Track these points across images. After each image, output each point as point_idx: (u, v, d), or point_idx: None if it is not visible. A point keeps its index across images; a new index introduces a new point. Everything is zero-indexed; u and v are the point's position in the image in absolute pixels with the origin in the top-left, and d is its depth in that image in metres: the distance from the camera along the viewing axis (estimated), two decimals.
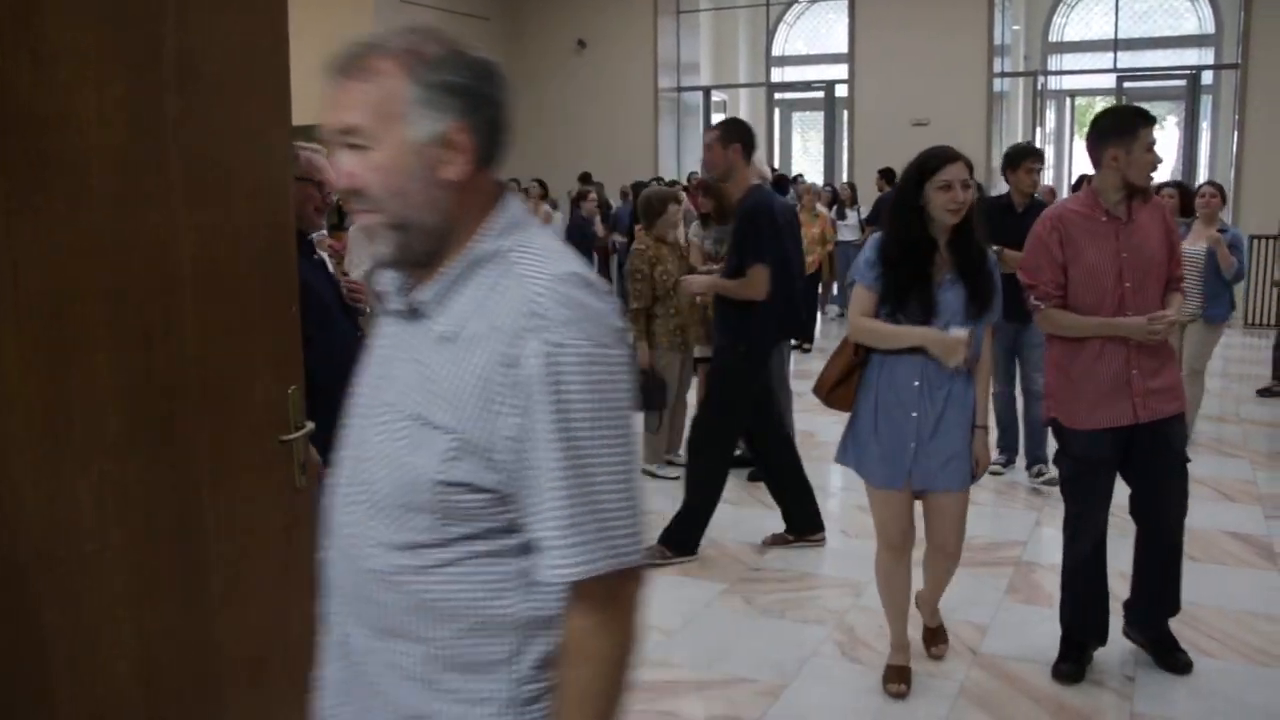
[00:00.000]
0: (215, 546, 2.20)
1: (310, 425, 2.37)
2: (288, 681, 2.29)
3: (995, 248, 5.60)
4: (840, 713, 3.68)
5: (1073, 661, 3.85)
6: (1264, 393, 8.81)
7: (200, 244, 2.11)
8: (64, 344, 1.88)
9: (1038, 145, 5.96)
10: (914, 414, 3.48)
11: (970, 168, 3.46)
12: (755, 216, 4.94)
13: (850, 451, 3.66)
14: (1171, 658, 3.88)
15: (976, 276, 3.48)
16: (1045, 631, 4.03)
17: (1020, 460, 6.44)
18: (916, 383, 3.47)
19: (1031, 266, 3.80)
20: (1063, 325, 3.73)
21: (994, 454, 5.98)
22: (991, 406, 5.98)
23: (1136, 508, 3.83)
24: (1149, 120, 3.67)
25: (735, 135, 5.01)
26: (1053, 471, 5.79)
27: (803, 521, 5.30)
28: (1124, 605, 3.99)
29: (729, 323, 5.10)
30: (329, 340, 3.36)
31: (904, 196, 3.48)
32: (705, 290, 5.35)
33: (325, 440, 3.16)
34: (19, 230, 1.80)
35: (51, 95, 1.84)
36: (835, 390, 3.64)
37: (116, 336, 1.95)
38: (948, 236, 3.46)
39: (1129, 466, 3.79)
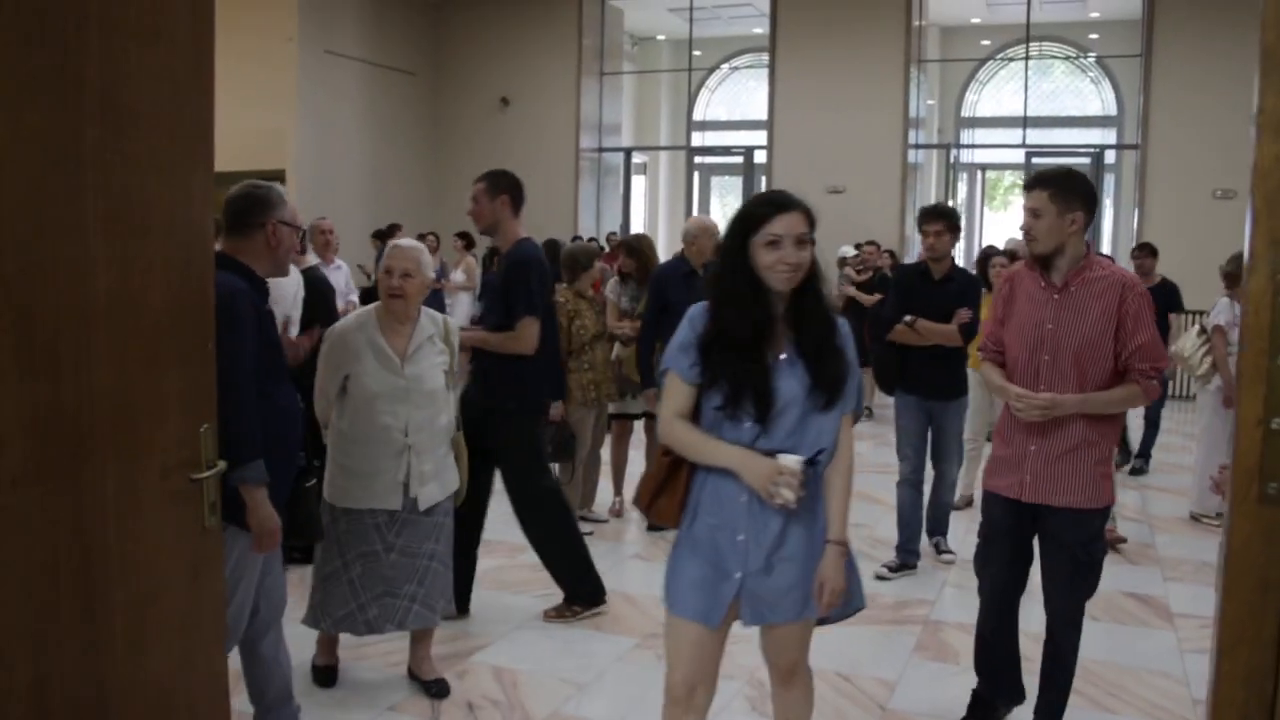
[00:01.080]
0: (119, 588, 2.14)
1: (222, 464, 2.34)
2: None
3: (909, 318, 5.62)
4: None
5: (978, 719, 3.90)
6: (1135, 473, 8.83)
7: (116, 277, 2.08)
8: None
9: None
10: (740, 537, 2.73)
11: (812, 221, 2.70)
12: (524, 268, 4.78)
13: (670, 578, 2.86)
14: None
15: (820, 356, 2.72)
16: (953, 688, 4.08)
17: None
18: (744, 498, 2.71)
19: (988, 317, 3.82)
20: (985, 377, 3.76)
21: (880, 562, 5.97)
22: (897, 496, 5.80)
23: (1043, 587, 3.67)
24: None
25: (503, 186, 4.86)
26: (952, 551, 5.88)
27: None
28: None
29: (491, 379, 4.84)
30: (288, 395, 3.33)
31: (729, 257, 2.74)
32: (471, 345, 4.89)
33: (276, 499, 3.13)
34: None
35: None
36: (657, 501, 2.85)
37: (22, 366, 1.91)
38: (785, 304, 2.73)
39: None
